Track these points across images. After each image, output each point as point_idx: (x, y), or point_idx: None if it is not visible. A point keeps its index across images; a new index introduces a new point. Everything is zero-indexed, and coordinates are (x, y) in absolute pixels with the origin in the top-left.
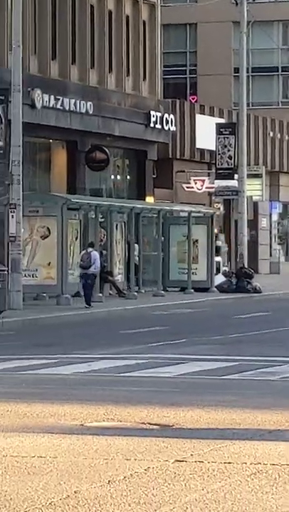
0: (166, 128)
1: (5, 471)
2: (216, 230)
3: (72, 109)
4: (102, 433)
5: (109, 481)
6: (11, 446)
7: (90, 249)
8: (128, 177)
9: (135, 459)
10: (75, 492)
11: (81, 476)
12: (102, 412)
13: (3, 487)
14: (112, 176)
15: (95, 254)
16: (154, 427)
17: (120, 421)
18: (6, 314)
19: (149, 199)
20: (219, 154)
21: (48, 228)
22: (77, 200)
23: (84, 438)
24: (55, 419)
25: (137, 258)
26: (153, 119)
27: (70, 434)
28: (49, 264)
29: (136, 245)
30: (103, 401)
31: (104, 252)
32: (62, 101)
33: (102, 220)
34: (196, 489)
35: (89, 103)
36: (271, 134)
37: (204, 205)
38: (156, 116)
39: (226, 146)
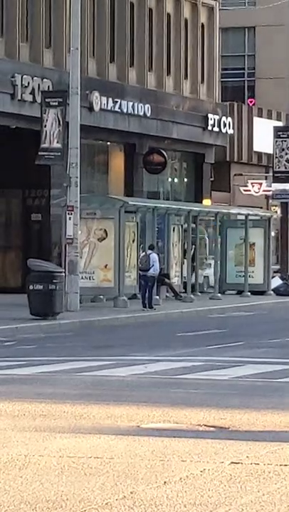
0: (223, 131)
1: (61, 472)
2: (272, 233)
3: (130, 111)
4: (159, 434)
5: (165, 482)
6: (68, 447)
7: (149, 252)
8: (185, 180)
9: (191, 461)
10: (131, 493)
11: (137, 477)
12: (158, 413)
13: (59, 487)
14: (170, 179)
15: (154, 257)
16: (211, 428)
17: (176, 423)
18: (63, 316)
19: (207, 202)
20: (277, 157)
21: (105, 230)
22: (134, 203)
23: (140, 439)
24: (112, 420)
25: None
26: (211, 122)
27: (126, 436)
28: (106, 266)
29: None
30: (159, 403)
31: (160, 254)
32: (121, 104)
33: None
34: (252, 491)
35: (147, 106)
36: None
37: (261, 208)
38: (214, 120)
39: (283, 150)
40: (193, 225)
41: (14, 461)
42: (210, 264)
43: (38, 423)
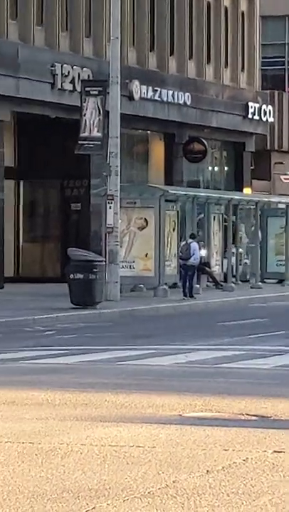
0: (264, 119)
1: (104, 461)
2: None
3: (170, 100)
4: (200, 424)
5: (207, 471)
6: (110, 436)
7: (189, 241)
8: (226, 168)
9: (233, 450)
10: (173, 482)
11: (179, 466)
12: (199, 402)
13: (102, 476)
14: (210, 168)
15: (195, 246)
16: (252, 417)
17: (218, 412)
18: (104, 305)
19: (247, 191)
20: None
21: (145, 219)
22: (174, 192)
23: (182, 428)
24: (153, 409)
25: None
26: (251, 111)
27: (168, 425)
28: (146, 255)
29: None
30: (201, 392)
31: (201, 243)
32: (160, 92)
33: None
34: None
35: (187, 94)
36: None
37: None
38: (255, 108)
39: None
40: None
41: (56, 450)
42: (248, 253)
43: (79, 412)
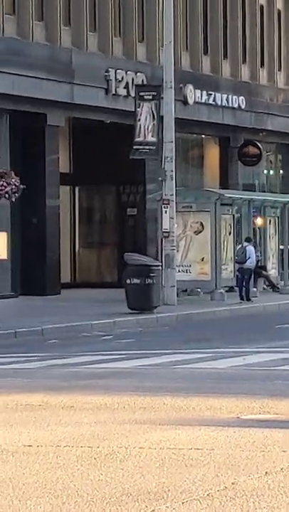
0: None
1: (162, 463)
2: None
3: (224, 104)
4: (259, 426)
5: (266, 473)
6: (168, 439)
7: (245, 244)
8: (281, 172)
9: None
10: (232, 484)
11: (238, 468)
12: (257, 405)
13: (161, 479)
14: (265, 171)
15: (251, 249)
16: None
17: (276, 414)
18: (160, 310)
19: None
20: None
21: (201, 223)
22: (230, 195)
23: (240, 431)
24: (212, 412)
25: None
26: None
27: (226, 427)
28: (203, 259)
29: None
30: (259, 394)
31: (257, 247)
32: (215, 96)
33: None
34: None
35: (241, 98)
36: None
37: None
38: None
39: None
40: None
41: (115, 454)
42: None
43: (137, 416)
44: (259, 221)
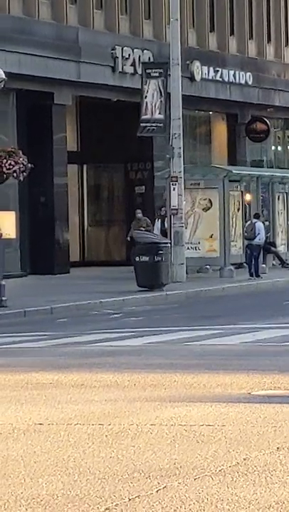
0: None
1: (174, 440)
2: None
3: (231, 80)
4: (270, 401)
5: (278, 448)
6: (179, 416)
7: (254, 220)
8: None
9: None
10: (244, 459)
11: (250, 443)
12: (268, 380)
13: (172, 455)
14: (273, 147)
15: (260, 225)
16: None
17: (287, 389)
18: (170, 287)
19: None
20: None
21: (209, 200)
22: (238, 172)
23: (251, 406)
24: (222, 388)
25: None
26: None
27: (237, 403)
28: (211, 236)
29: None
30: (269, 370)
31: (266, 222)
32: (222, 73)
33: None
34: None
35: (248, 74)
36: None
37: None
38: None
39: None
40: None
41: (126, 431)
42: None
43: (148, 393)
44: (247, 197)
